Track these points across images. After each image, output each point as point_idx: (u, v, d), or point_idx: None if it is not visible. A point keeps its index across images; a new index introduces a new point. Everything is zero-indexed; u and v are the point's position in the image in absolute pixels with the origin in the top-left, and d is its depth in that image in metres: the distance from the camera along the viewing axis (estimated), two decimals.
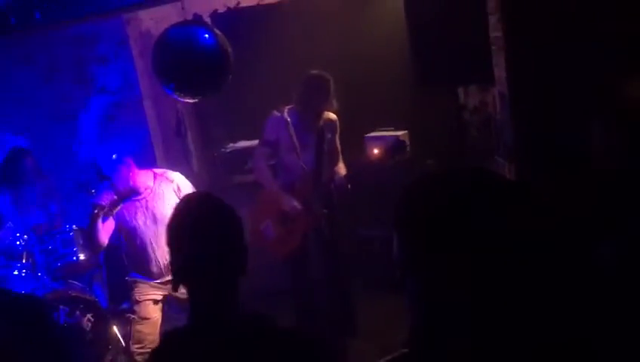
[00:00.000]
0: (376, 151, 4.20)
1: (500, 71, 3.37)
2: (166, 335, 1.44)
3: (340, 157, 4.12)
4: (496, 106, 3.72)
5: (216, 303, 1.40)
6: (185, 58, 3.58)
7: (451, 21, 3.12)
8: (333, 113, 3.99)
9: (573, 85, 2.96)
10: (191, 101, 3.85)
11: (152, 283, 3.54)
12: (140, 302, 3.52)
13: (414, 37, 3.19)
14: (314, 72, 3.84)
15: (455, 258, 0.94)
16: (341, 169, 4.08)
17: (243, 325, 1.39)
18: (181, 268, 1.44)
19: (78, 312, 3.84)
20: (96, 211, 3.40)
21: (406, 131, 4.55)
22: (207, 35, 3.59)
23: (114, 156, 3.41)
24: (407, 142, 4.24)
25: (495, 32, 3.28)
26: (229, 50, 3.67)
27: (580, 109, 2.83)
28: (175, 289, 1.50)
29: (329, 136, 3.99)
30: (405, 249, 1.00)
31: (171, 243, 1.47)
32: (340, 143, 4.10)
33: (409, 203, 1.02)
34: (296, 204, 3.80)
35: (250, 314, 1.41)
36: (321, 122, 3.94)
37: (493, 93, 3.71)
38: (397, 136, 4.26)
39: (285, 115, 3.86)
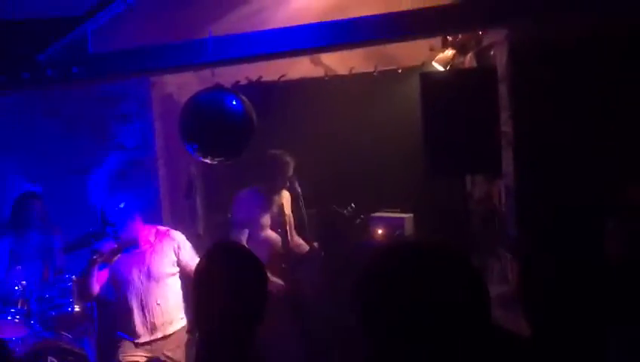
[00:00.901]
0: (379, 231, 4.32)
1: (507, 165, 3.47)
2: None
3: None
4: (501, 198, 3.80)
5: (234, 348, 1.44)
6: (212, 120, 3.75)
7: (465, 112, 3.26)
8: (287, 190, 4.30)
9: (581, 183, 3.04)
10: (209, 162, 3.97)
11: (136, 341, 3.47)
12: (123, 358, 3.45)
13: (427, 125, 3.32)
14: (276, 152, 4.14)
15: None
16: (303, 244, 4.32)
17: None
18: (206, 313, 1.48)
19: None
20: (95, 257, 3.35)
21: (411, 214, 4.62)
22: (234, 102, 3.77)
23: (122, 205, 3.43)
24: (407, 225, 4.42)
25: (505, 127, 3.41)
26: (254, 117, 3.84)
27: (587, 207, 2.90)
28: (192, 332, 1.56)
29: (287, 212, 4.27)
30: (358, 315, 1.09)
31: (197, 288, 1.52)
32: (348, 221, 4.29)
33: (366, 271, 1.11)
34: (279, 281, 3.95)
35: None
36: (282, 199, 4.22)
37: (500, 186, 3.80)
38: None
39: (264, 192, 4.05)
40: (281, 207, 4.21)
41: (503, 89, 3.44)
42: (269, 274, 3.82)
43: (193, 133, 3.82)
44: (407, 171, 4.63)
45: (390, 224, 4.48)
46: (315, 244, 4.26)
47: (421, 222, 4.64)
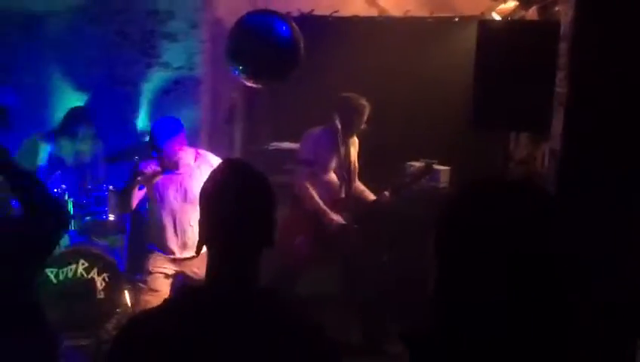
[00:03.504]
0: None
1: (556, 127, 3.36)
2: (181, 289, 1.45)
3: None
4: (543, 162, 3.70)
5: (236, 270, 1.40)
6: (259, 43, 3.68)
7: (520, 66, 3.14)
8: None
9: (628, 158, 2.94)
10: (251, 85, 3.93)
11: (167, 256, 3.61)
12: (153, 273, 3.58)
13: (479, 74, 3.21)
14: (354, 95, 3.99)
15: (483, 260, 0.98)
16: (366, 191, 4.21)
17: (255, 296, 1.39)
18: (209, 229, 1.45)
19: (95, 269, 3.92)
20: (138, 178, 3.47)
21: (448, 168, 4.56)
22: (284, 27, 3.69)
23: (172, 133, 3.47)
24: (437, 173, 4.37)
25: (560, 88, 3.27)
26: (302, 46, 3.76)
27: (631, 182, 2.81)
28: (198, 251, 1.51)
29: (354, 158, 4.18)
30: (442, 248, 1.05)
31: (203, 204, 1.47)
32: (385, 169, 4.21)
33: (453, 205, 1.07)
34: (339, 218, 3.92)
35: (266, 288, 1.41)
36: (350, 144, 4.14)
37: (544, 149, 3.70)
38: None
39: (336, 134, 3.97)
40: (348, 151, 4.12)
41: (563, 48, 3.28)
42: (329, 213, 3.90)
43: (238, 53, 3.76)
44: (451, 123, 4.54)
45: (423, 167, 4.41)
46: (386, 193, 4.10)
47: (457, 177, 4.58)
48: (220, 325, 1.32)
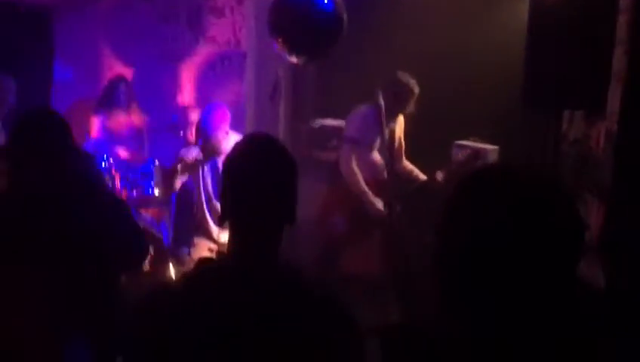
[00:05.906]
0: (460, 156, 4.16)
1: (613, 105, 3.18)
2: (200, 262, 1.43)
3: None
4: (599, 142, 3.53)
5: (256, 244, 1.39)
6: (300, 15, 3.63)
7: (575, 41, 2.97)
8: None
9: None
10: (294, 61, 3.88)
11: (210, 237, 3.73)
12: (198, 244, 3.70)
13: (531, 49, 3.06)
14: (404, 77, 3.88)
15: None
16: (416, 171, 4.11)
17: (276, 271, 1.38)
18: (231, 202, 1.44)
19: None
20: (179, 165, 3.55)
21: (497, 147, 4.41)
22: (326, 0, 3.63)
23: (221, 117, 3.50)
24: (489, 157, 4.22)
25: (618, 64, 3.09)
26: (344, 19, 3.69)
27: None
28: (221, 223, 1.51)
29: (399, 135, 4.14)
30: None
31: (225, 176, 1.46)
32: (430, 147, 4.12)
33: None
34: (381, 207, 3.86)
35: (287, 264, 1.40)
36: (395, 123, 4.09)
37: (600, 128, 3.52)
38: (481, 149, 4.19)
39: (380, 113, 3.91)
40: (393, 130, 4.08)
41: (622, 21, 3.09)
42: (371, 197, 3.83)
43: (279, 27, 3.72)
44: (502, 100, 4.37)
45: (472, 153, 4.27)
46: (440, 173, 4.04)
47: (506, 156, 4.43)
48: (239, 299, 1.31)
